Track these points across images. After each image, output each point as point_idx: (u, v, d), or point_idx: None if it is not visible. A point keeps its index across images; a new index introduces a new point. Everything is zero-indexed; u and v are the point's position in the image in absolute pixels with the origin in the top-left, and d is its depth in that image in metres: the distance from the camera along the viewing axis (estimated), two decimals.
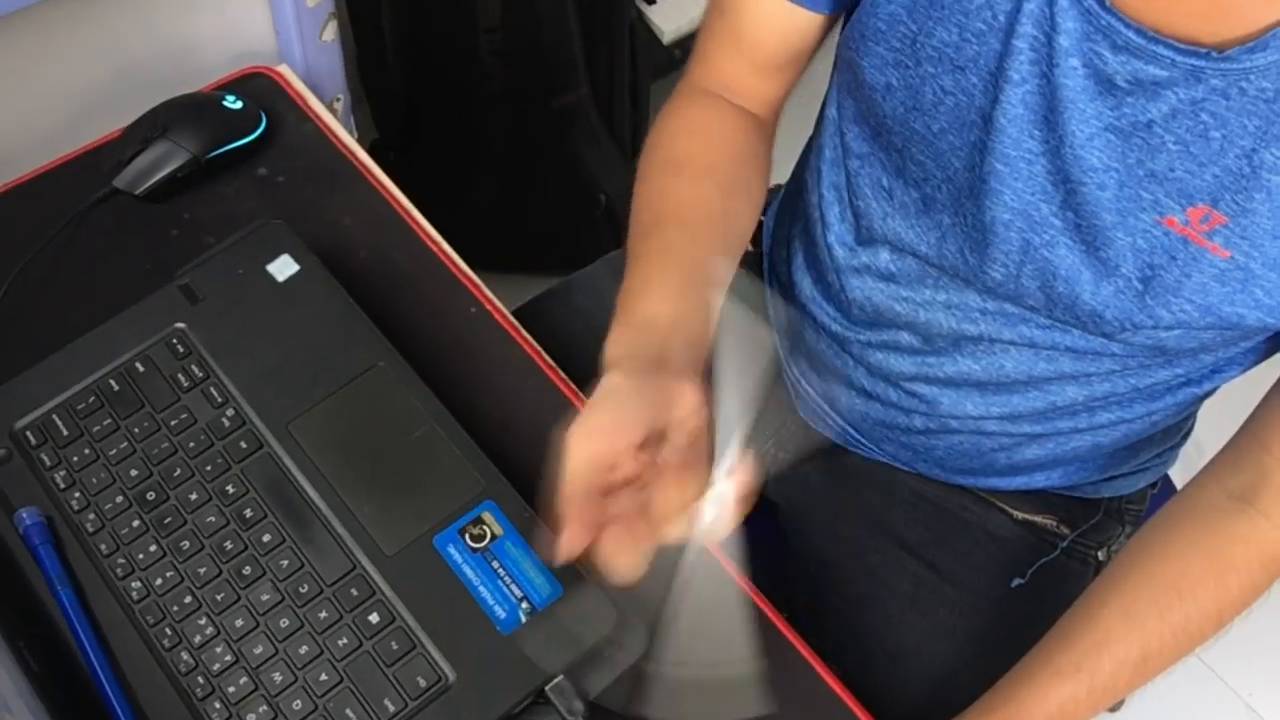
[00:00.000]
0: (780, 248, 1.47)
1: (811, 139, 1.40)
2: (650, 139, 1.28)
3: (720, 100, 1.30)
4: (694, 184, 1.23)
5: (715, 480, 0.89)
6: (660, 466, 0.90)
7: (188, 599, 1.07)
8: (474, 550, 1.08)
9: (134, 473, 1.12)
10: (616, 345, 1.03)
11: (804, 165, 1.41)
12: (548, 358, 1.27)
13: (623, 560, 0.89)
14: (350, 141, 1.41)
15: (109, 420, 1.15)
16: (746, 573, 1.00)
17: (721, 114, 1.29)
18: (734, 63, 1.28)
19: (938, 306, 1.23)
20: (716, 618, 0.92)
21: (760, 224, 1.55)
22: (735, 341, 0.92)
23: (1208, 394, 1.29)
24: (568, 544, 0.88)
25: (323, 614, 1.06)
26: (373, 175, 1.38)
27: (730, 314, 0.97)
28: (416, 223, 1.35)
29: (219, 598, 1.07)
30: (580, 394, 1.23)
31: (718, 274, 1.15)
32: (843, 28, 1.23)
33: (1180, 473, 1.49)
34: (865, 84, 1.16)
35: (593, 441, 0.90)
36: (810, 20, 1.22)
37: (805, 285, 1.39)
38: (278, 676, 1.04)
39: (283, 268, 1.22)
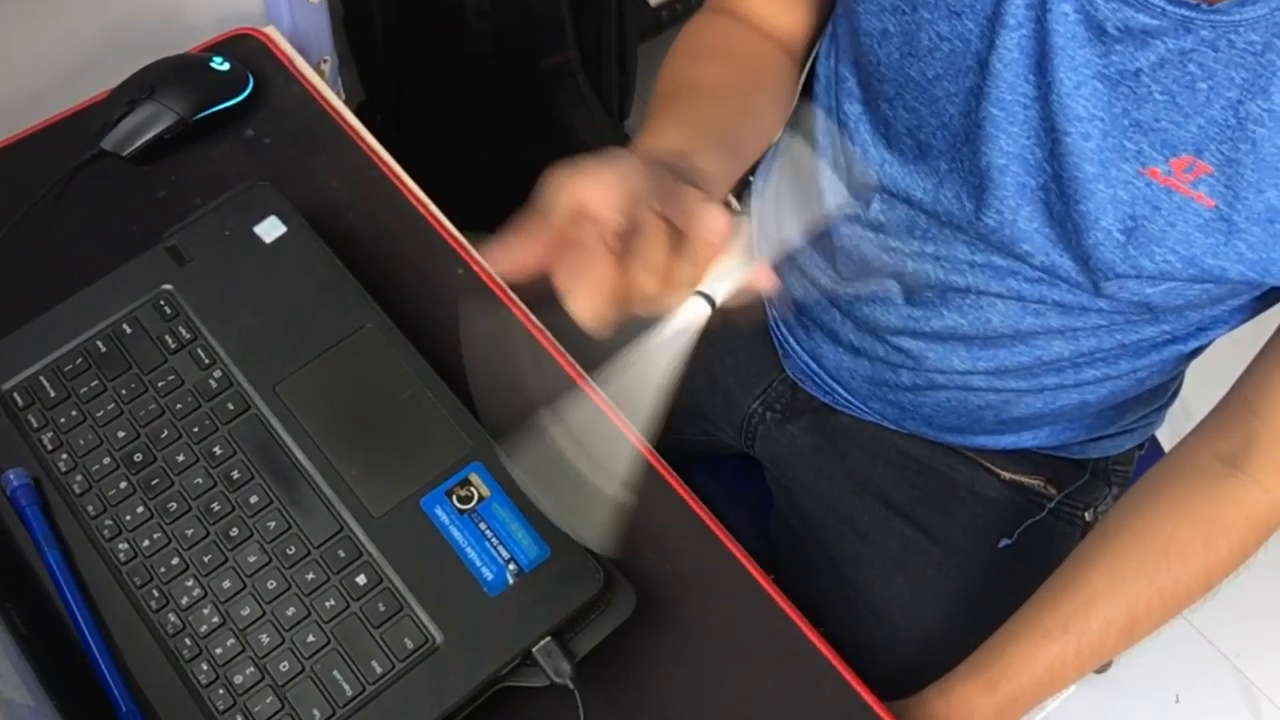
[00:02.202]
0: (770, 205, 1.47)
1: (801, 92, 1.40)
2: (677, 39, 1.29)
3: (743, 23, 1.31)
4: (722, 66, 1.25)
5: (716, 278, 0.83)
6: (650, 227, 0.82)
7: (175, 560, 1.07)
8: (461, 512, 1.08)
9: (121, 434, 1.12)
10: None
11: (795, 115, 1.41)
12: (535, 318, 1.27)
13: (584, 298, 0.81)
14: (337, 103, 1.41)
15: (96, 382, 1.14)
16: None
17: (747, 29, 1.31)
18: None
19: (926, 258, 1.24)
20: (618, 433, 0.84)
21: (748, 184, 1.55)
22: (801, 177, 0.89)
23: (1194, 353, 1.29)
24: (512, 253, 0.84)
25: (310, 575, 1.06)
26: (360, 137, 1.38)
27: (800, 151, 0.94)
28: (404, 184, 1.35)
29: (206, 559, 1.07)
30: (568, 355, 1.23)
31: (734, 140, 1.14)
32: None
33: (1168, 434, 1.49)
34: (861, 30, 1.16)
35: (575, 174, 0.84)
36: None
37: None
38: (265, 638, 1.04)
39: (270, 229, 1.21)
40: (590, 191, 0.83)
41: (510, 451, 0.87)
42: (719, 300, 0.83)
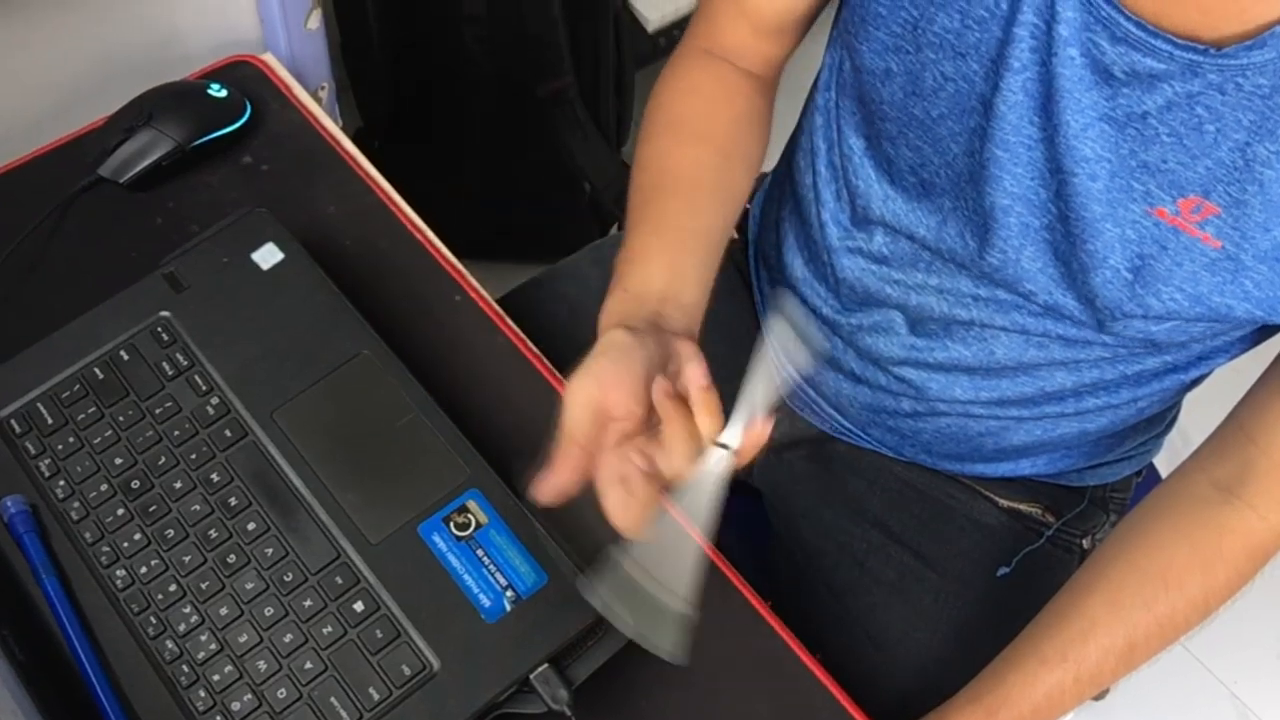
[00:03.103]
0: (769, 232, 1.47)
1: (802, 118, 1.40)
2: (651, 101, 1.30)
3: (722, 63, 1.31)
4: (693, 148, 1.25)
5: (730, 425, 0.92)
6: (669, 413, 0.93)
7: (172, 587, 1.07)
8: (459, 539, 1.08)
9: (118, 461, 1.12)
10: (612, 312, 1.06)
11: (795, 144, 1.41)
12: (532, 346, 1.27)
13: (626, 514, 0.93)
14: (335, 130, 1.41)
15: (93, 409, 1.14)
16: (715, 542, 1.00)
17: (722, 76, 1.31)
18: (735, 24, 1.29)
19: (929, 290, 1.23)
20: (679, 556, 0.94)
21: (746, 211, 1.55)
22: (786, 332, 0.93)
23: (1195, 382, 1.29)
24: (553, 482, 0.92)
25: (307, 602, 1.06)
26: (357, 163, 1.38)
27: (787, 305, 0.99)
28: (401, 211, 1.35)
29: (203, 586, 1.07)
30: (565, 383, 1.23)
31: (713, 242, 1.18)
32: (838, 11, 1.23)
33: (1165, 461, 1.49)
34: (864, 69, 1.16)
35: (592, 387, 0.94)
36: None
37: (796, 266, 1.39)
38: (262, 665, 1.04)
39: (267, 256, 1.21)
40: (605, 397, 0.95)
41: (589, 581, 0.95)
42: (735, 445, 0.93)
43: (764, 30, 1.28)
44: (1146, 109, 1.00)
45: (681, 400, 0.93)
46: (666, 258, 1.12)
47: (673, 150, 1.25)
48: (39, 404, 1.15)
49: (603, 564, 0.93)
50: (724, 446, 0.92)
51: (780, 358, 0.92)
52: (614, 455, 0.95)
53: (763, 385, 0.92)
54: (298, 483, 1.11)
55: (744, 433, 0.92)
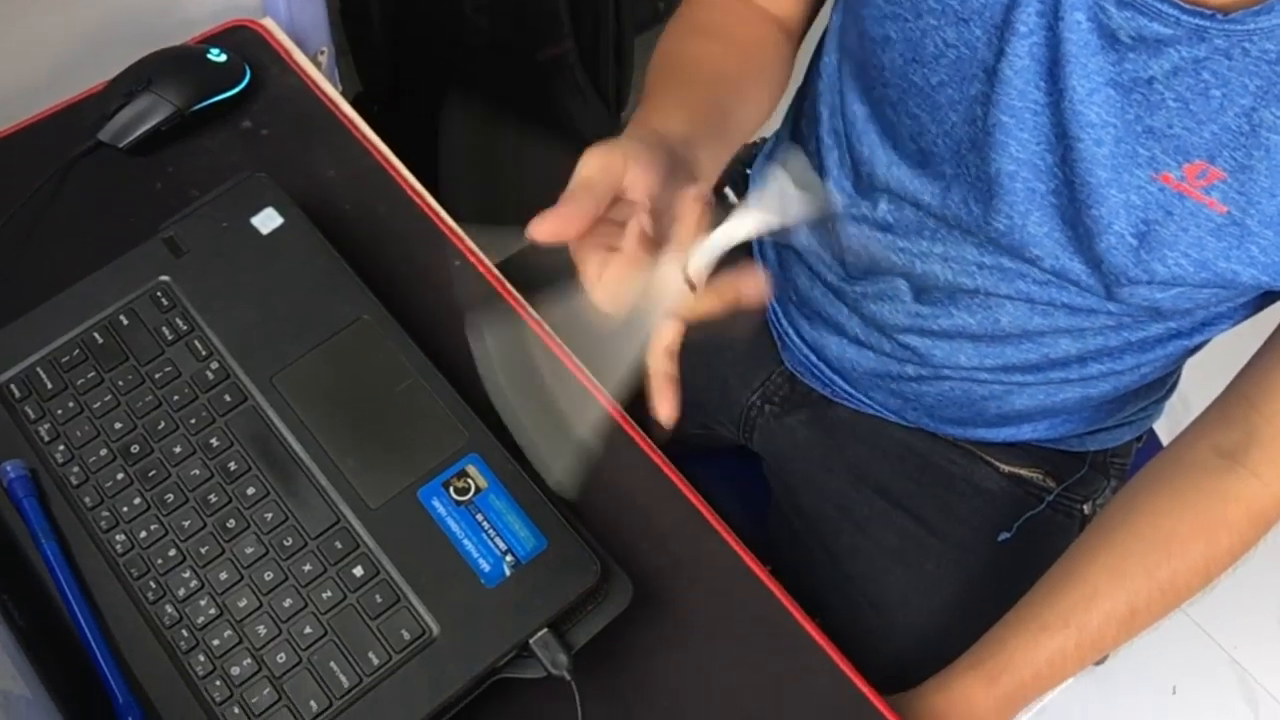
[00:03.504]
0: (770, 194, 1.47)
1: (804, 86, 1.40)
2: (675, 14, 1.31)
3: (746, 3, 1.32)
4: (720, 46, 1.26)
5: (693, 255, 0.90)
6: (688, 209, 0.90)
7: (172, 552, 1.07)
8: (458, 503, 1.08)
9: (118, 426, 1.12)
10: (631, 136, 1.04)
11: (798, 111, 1.41)
12: (532, 310, 1.27)
13: (609, 286, 0.91)
14: (334, 94, 1.41)
15: (93, 373, 1.14)
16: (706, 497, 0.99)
17: (747, 8, 1.32)
18: None
19: (934, 258, 1.23)
20: (588, 396, 0.94)
21: (746, 177, 1.55)
22: (785, 182, 0.92)
23: (1197, 347, 1.29)
24: (552, 220, 0.90)
25: (307, 567, 1.06)
26: (357, 128, 1.38)
27: (791, 157, 0.96)
28: (400, 175, 1.35)
29: (203, 551, 1.07)
30: (564, 346, 1.23)
31: (729, 127, 1.18)
32: None
33: (1166, 427, 1.49)
34: (865, 34, 1.16)
35: (616, 154, 0.93)
36: None
37: (801, 233, 1.38)
38: (262, 629, 1.04)
39: (266, 221, 1.21)
40: (629, 175, 0.93)
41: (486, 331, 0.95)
42: (693, 276, 0.89)
43: None
44: (1152, 74, 1.00)
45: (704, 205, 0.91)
46: (684, 120, 1.10)
47: (693, 45, 1.26)
48: (38, 369, 1.15)
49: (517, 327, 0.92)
50: (686, 281, 0.90)
51: (775, 207, 0.91)
52: (608, 225, 0.93)
53: (746, 226, 0.90)
54: (297, 447, 1.11)
55: (704, 269, 0.90)
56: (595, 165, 0.92)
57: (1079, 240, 1.11)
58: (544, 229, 0.90)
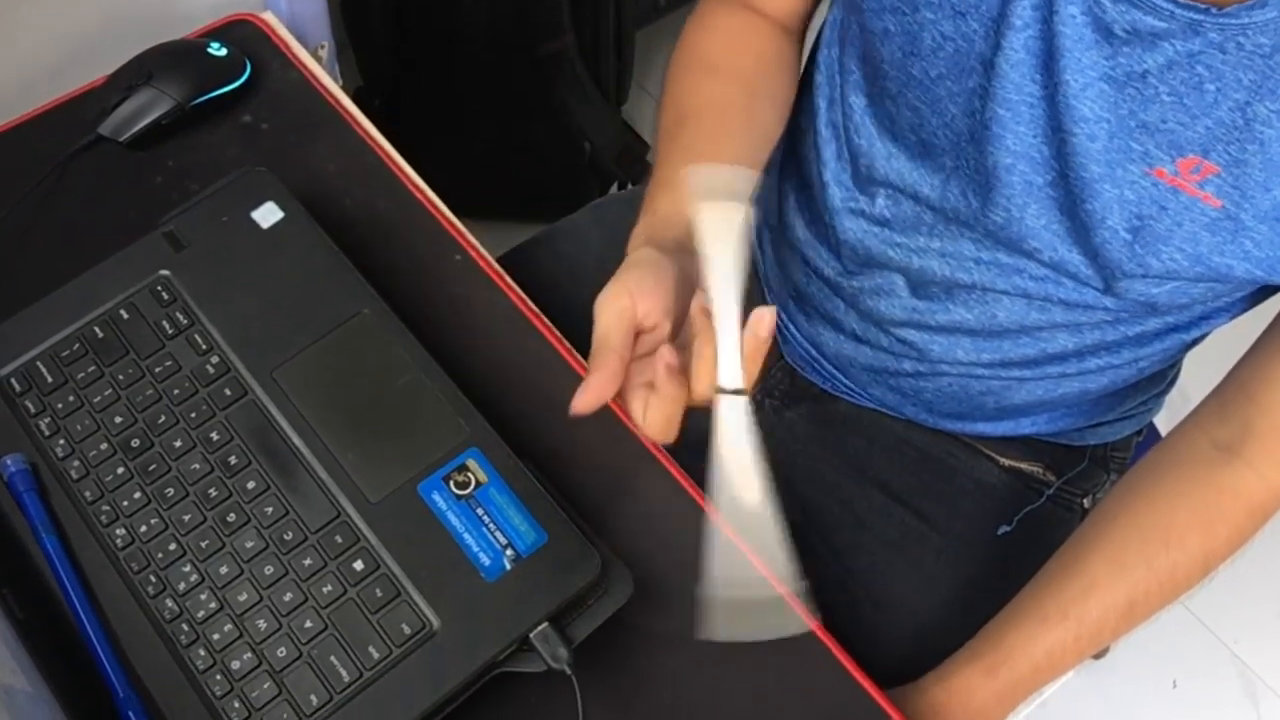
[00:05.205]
0: (771, 193, 1.47)
1: (804, 76, 1.40)
2: (678, 43, 1.31)
3: (746, 9, 1.32)
4: (721, 84, 1.27)
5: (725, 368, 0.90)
6: (703, 326, 0.91)
7: (172, 546, 1.07)
8: (459, 497, 1.08)
9: (118, 420, 1.12)
10: (640, 235, 1.07)
11: (797, 103, 1.41)
12: (532, 305, 1.27)
13: (652, 415, 0.93)
14: (334, 89, 1.41)
15: (93, 367, 1.14)
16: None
17: (748, 20, 1.32)
18: None
19: (932, 254, 1.23)
20: (754, 533, 0.95)
21: None
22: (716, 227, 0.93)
23: (1195, 341, 1.29)
24: (590, 391, 0.91)
25: (307, 561, 1.06)
26: (357, 122, 1.38)
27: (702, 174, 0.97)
28: (400, 170, 1.35)
29: (203, 545, 1.07)
30: (564, 341, 1.23)
31: (743, 162, 1.19)
32: None
33: (1165, 420, 1.49)
34: (866, 27, 1.16)
35: (624, 296, 0.94)
36: None
37: (798, 227, 1.38)
38: (262, 624, 1.04)
39: (267, 215, 1.21)
40: (636, 306, 0.95)
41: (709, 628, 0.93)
42: (741, 384, 0.91)
43: None
44: (1146, 68, 1.00)
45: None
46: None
47: (699, 86, 1.26)
48: (39, 363, 1.15)
49: (703, 607, 0.91)
50: (735, 392, 0.91)
51: (731, 265, 0.91)
52: (641, 362, 0.95)
53: (730, 302, 0.91)
54: (297, 441, 1.11)
55: (739, 369, 0.91)
56: (608, 318, 0.94)
57: (1077, 232, 1.11)
58: (583, 402, 0.92)
